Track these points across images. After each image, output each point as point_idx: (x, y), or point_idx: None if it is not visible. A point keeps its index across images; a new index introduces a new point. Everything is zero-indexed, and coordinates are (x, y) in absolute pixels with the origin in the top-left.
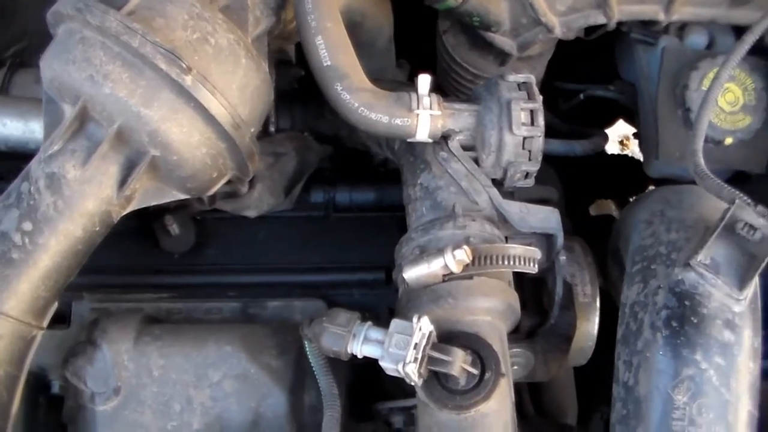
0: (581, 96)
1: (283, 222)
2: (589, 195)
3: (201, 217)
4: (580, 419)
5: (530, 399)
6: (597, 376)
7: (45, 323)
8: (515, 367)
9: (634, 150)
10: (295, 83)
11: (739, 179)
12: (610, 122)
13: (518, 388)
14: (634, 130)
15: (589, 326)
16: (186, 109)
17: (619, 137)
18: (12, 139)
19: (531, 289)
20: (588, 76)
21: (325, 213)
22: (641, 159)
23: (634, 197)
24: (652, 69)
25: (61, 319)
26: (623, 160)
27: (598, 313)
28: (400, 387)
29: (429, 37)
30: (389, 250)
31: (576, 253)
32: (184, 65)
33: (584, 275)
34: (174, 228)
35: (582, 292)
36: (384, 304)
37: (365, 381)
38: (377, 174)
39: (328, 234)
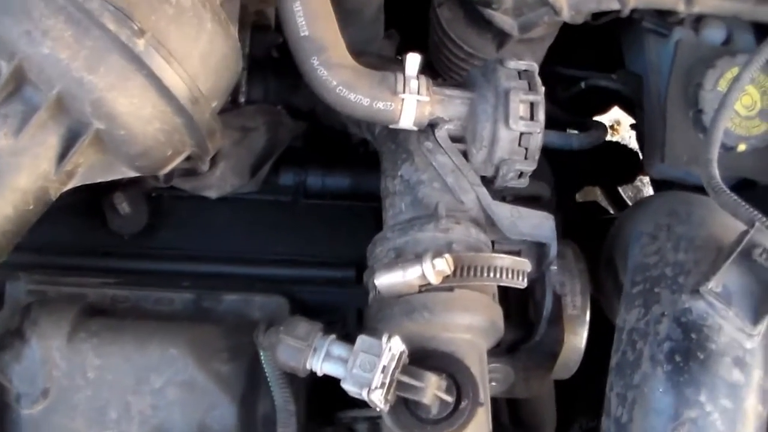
0: (582, 85)
1: (246, 205)
2: (577, 181)
3: (156, 195)
4: (558, 430)
5: (507, 410)
6: (576, 386)
7: None
8: (493, 384)
9: (623, 136)
10: (273, 50)
11: (743, 186)
12: (606, 109)
13: (495, 400)
14: (624, 115)
15: (577, 340)
16: (137, 77)
17: (610, 122)
18: None
19: (516, 299)
20: (588, 61)
21: (294, 198)
22: (632, 147)
23: (622, 186)
24: (663, 62)
25: None
26: (615, 147)
27: (587, 327)
28: None
29: (422, 7)
30: (362, 244)
31: (567, 260)
32: (136, 27)
33: (575, 285)
34: (124, 207)
35: (571, 303)
36: (353, 305)
37: (328, 381)
38: (354, 157)
39: (296, 222)
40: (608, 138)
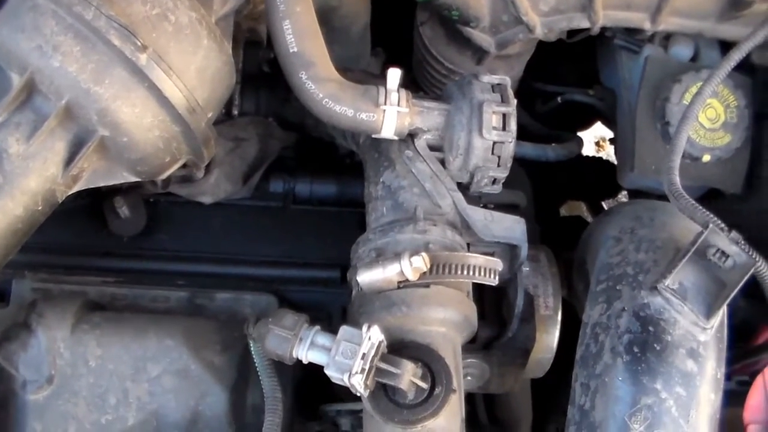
0: (559, 100)
1: (239, 210)
2: (562, 195)
3: (154, 200)
4: (535, 429)
5: (484, 408)
6: (553, 386)
7: None
8: (468, 378)
9: (609, 152)
10: (265, 65)
11: (712, 195)
12: (589, 124)
13: (472, 396)
14: (611, 132)
15: (549, 339)
16: (139, 89)
17: (596, 138)
18: None
19: (491, 299)
20: (568, 78)
21: (283, 204)
22: (614, 162)
23: (606, 201)
24: (634, 77)
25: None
26: (598, 162)
27: (558, 326)
28: (348, 389)
29: (407, 26)
30: (347, 247)
31: (541, 263)
32: (139, 43)
33: (547, 286)
34: (124, 210)
35: (544, 303)
36: (338, 303)
37: (314, 378)
38: (341, 166)
39: (285, 226)
40: (593, 154)
